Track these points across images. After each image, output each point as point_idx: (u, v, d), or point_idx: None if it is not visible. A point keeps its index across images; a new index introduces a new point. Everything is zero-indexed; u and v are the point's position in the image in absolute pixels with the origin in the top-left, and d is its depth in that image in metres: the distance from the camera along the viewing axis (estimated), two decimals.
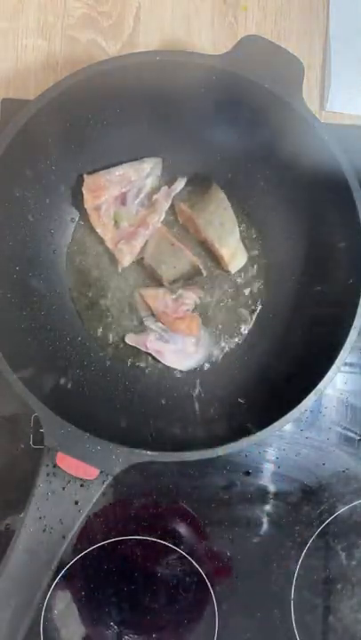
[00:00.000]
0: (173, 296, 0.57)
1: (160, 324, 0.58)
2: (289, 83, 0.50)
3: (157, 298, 0.58)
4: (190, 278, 0.58)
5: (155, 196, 0.58)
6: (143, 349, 0.58)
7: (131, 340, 0.58)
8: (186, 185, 0.59)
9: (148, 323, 0.59)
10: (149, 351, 0.57)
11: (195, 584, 0.59)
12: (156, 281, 0.60)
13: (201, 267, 0.58)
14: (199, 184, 0.59)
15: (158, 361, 0.59)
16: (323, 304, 0.55)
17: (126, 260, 0.58)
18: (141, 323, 0.59)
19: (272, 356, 0.58)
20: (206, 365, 0.60)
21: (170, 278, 0.58)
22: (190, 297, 0.57)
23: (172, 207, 0.60)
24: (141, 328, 0.59)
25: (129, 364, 0.60)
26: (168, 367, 0.59)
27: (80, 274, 0.60)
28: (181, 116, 0.56)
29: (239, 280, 0.61)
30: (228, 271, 0.60)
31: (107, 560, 0.58)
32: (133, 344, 0.58)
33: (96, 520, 0.58)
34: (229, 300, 0.61)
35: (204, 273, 0.59)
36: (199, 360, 0.59)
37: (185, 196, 0.58)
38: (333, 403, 0.62)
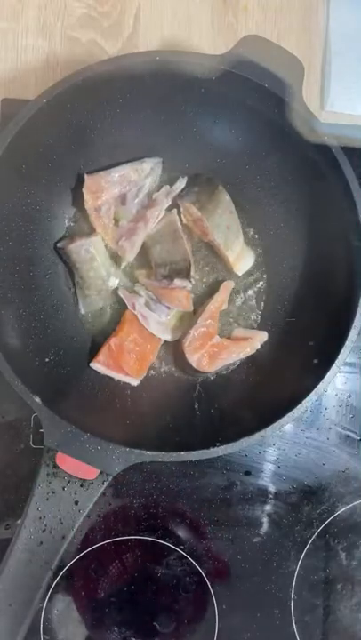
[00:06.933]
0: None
1: (150, 293, 0.58)
2: (289, 83, 0.50)
3: (150, 275, 0.58)
4: (177, 273, 0.57)
5: (155, 195, 0.58)
6: (130, 307, 0.57)
7: (123, 293, 0.58)
8: (193, 186, 0.59)
9: (139, 289, 0.59)
10: (135, 312, 0.57)
11: (195, 584, 0.59)
12: (147, 263, 0.59)
13: (192, 268, 0.58)
14: (205, 185, 0.58)
15: (158, 362, 0.59)
16: (323, 304, 0.55)
17: (129, 255, 0.58)
18: None
19: (272, 356, 0.58)
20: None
21: (158, 261, 0.58)
22: (181, 280, 0.57)
23: (172, 207, 0.60)
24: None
25: None
26: (169, 368, 0.60)
27: None
28: (181, 117, 0.56)
29: (242, 281, 0.61)
30: (235, 274, 0.60)
31: (107, 560, 0.58)
32: (123, 298, 0.58)
33: (96, 520, 0.58)
34: (231, 301, 0.61)
35: (192, 272, 0.58)
36: (180, 335, 0.59)
37: (193, 197, 0.58)
38: (333, 403, 0.62)
